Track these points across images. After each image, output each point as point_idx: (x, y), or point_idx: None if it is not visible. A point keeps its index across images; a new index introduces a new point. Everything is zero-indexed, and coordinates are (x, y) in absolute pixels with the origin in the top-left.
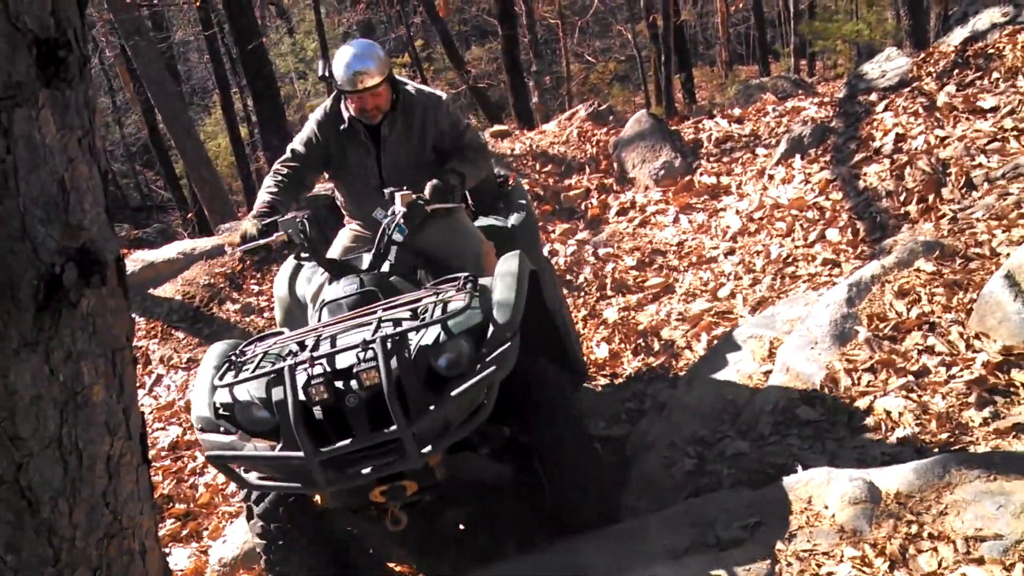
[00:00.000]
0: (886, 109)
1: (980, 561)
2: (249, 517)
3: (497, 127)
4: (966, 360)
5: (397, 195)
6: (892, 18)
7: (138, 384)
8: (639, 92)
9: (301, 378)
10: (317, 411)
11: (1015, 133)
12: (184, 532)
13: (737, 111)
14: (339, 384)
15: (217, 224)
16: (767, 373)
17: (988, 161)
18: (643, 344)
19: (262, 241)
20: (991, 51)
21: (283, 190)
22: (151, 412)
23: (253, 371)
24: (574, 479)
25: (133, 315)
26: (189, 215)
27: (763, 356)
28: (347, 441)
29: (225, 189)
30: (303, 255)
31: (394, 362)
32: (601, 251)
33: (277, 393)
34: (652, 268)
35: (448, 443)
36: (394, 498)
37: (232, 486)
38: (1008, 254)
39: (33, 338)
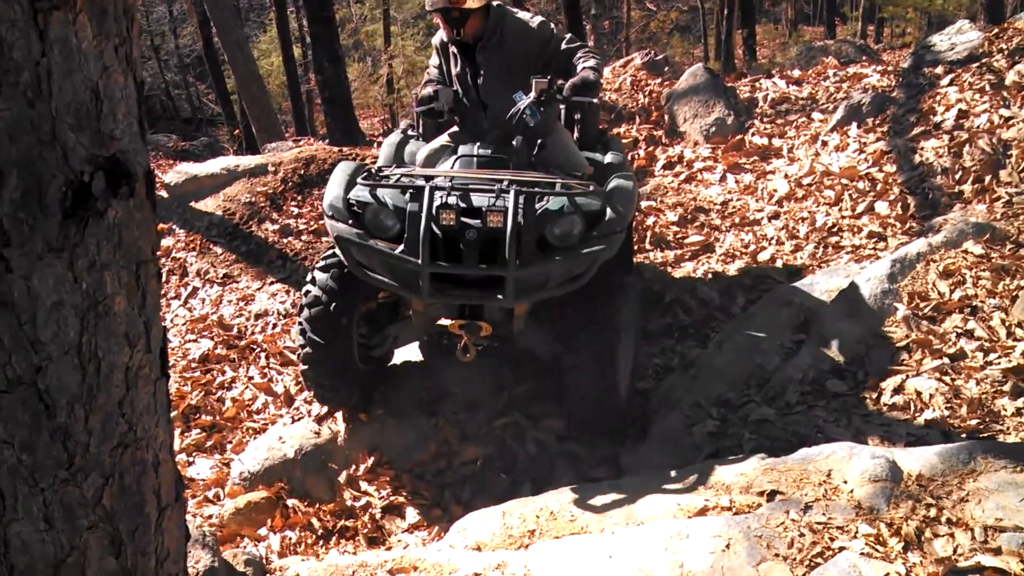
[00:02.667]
0: (951, 83)
1: (997, 551)
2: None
3: None
4: (1005, 348)
5: (533, 80)
6: None
7: (174, 295)
8: (699, 44)
9: (436, 200)
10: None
11: None
12: (208, 443)
13: (797, 72)
14: (465, 218)
15: (264, 143)
16: (799, 343)
17: None
18: (677, 299)
19: (433, 105)
20: None
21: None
22: (185, 323)
23: (396, 181)
24: (594, 379)
25: (173, 226)
26: (236, 132)
27: (797, 324)
28: (459, 264)
29: (274, 108)
30: (440, 120)
31: (520, 215)
32: (644, 204)
33: (412, 206)
34: (694, 225)
35: (541, 297)
36: (470, 332)
37: (257, 403)
38: None
39: (58, 244)
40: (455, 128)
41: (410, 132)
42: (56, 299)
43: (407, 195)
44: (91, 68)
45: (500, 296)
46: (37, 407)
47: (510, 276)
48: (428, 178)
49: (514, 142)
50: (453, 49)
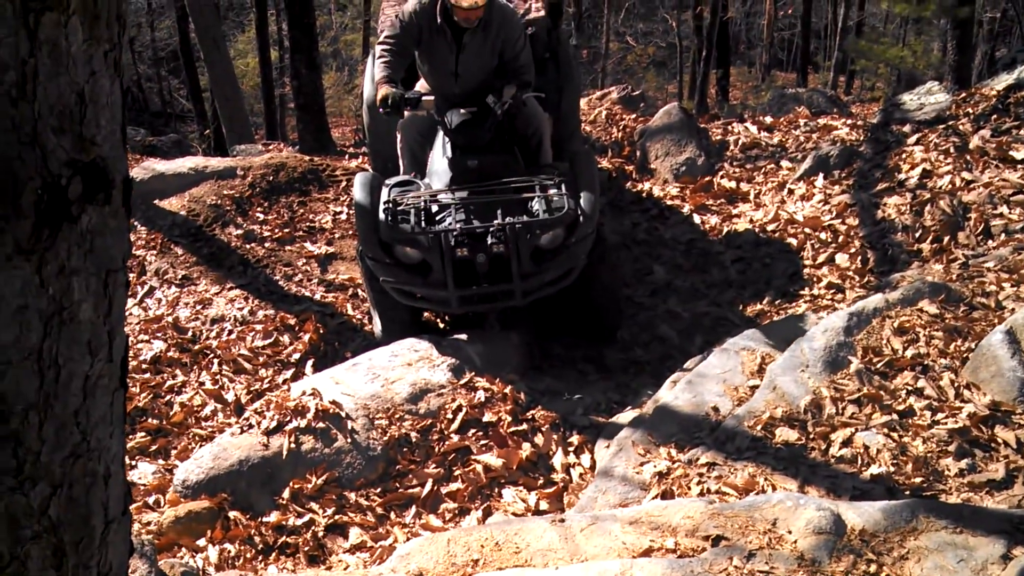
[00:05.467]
0: (918, 143)
1: None
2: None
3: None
4: (953, 408)
5: (506, 88)
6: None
7: (129, 293)
8: (673, 81)
9: (451, 238)
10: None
11: None
12: (153, 447)
13: (769, 119)
14: (474, 244)
15: (233, 144)
16: (753, 388)
17: (1010, 212)
18: (633, 338)
19: (420, 111)
20: None
21: (394, 62)
22: (138, 323)
23: (414, 227)
24: (606, 293)
25: (135, 223)
26: (207, 131)
27: (753, 370)
28: (481, 287)
29: (246, 110)
30: (419, 112)
31: (517, 242)
32: (610, 237)
33: (433, 245)
34: (657, 262)
35: (543, 294)
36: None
37: (206, 410)
38: (1013, 309)
39: (28, 247)
40: (431, 96)
41: (418, 112)
42: (21, 302)
43: (423, 220)
44: (79, 71)
45: (511, 300)
46: None
47: (517, 288)
48: (439, 210)
49: (490, 102)
50: (440, 23)
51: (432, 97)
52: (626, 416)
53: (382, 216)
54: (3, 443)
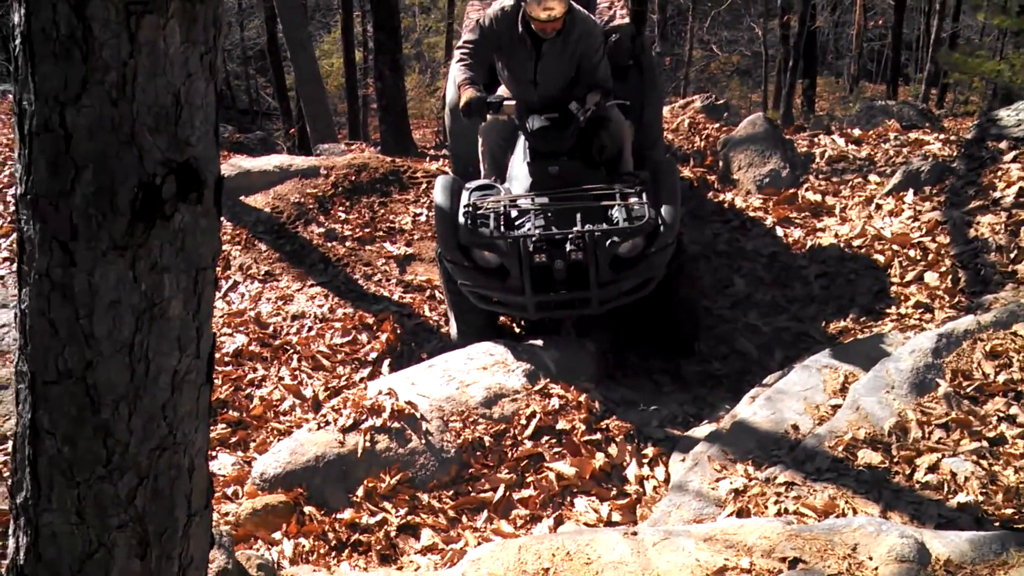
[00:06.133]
0: (1015, 160)
1: None
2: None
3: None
4: None
5: (589, 95)
6: None
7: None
8: (757, 90)
9: (529, 243)
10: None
11: None
12: (232, 440)
13: (857, 131)
14: (552, 250)
15: (317, 143)
16: (836, 407)
17: None
18: (711, 351)
19: (502, 116)
20: None
21: (475, 66)
22: (222, 317)
23: (493, 231)
24: (685, 304)
25: (221, 218)
26: (291, 130)
27: (835, 389)
28: (558, 294)
29: (330, 110)
30: (501, 117)
31: (596, 249)
32: (691, 248)
33: (511, 250)
34: (738, 274)
35: (619, 304)
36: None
37: (284, 405)
38: None
39: (123, 243)
40: (512, 101)
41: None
42: (115, 297)
43: (502, 225)
44: (175, 73)
45: (587, 308)
46: (83, 401)
47: (594, 296)
48: (519, 215)
49: (573, 109)
50: (521, 32)
51: (514, 102)
52: (702, 430)
53: (461, 219)
54: (94, 432)
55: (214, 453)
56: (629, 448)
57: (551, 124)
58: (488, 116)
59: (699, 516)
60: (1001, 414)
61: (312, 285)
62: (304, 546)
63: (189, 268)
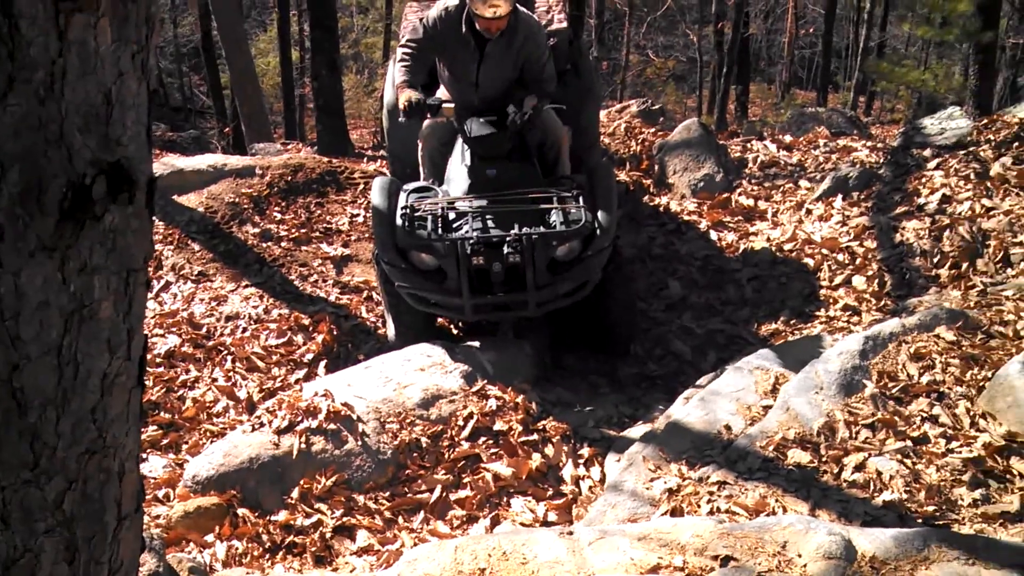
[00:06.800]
0: (938, 167)
1: None
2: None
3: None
4: (968, 437)
5: (526, 99)
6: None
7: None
8: (693, 95)
9: (467, 245)
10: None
11: None
12: (164, 442)
13: (788, 138)
14: (490, 252)
15: (252, 142)
16: (767, 408)
17: None
18: (646, 352)
19: (440, 118)
20: None
21: (415, 67)
22: (153, 318)
23: (431, 233)
24: (621, 307)
25: (153, 218)
26: (226, 129)
27: (766, 390)
28: (495, 295)
29: (266, 109)
30: (440, 119)
31: (533, 252)
32: (626, 251)
33: (449, 252)
34: (673, 277)
35: (556, 306)
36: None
37: (218, 407)
38: None
39: (51, 244)
40: (452, 104)
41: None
42: (42, 299)
43: (439, 227)
44: (106, 72)
45: (525, 311)
46: (9, 404)
47: (531, 299)
48: (457, 218)
49: (510, 112)
50: (464, 32)
51: (453, 104)
52: (637, 431)
53: (399, 221)
54: (20, 436)
55: (145, 456)
56: (565, 448)
57: (490, 127)
58: (428, 118)
59: (634, 515)
60: (924, 414)
61: (247, 286)
62: (237, 548)
63: (120, 269)
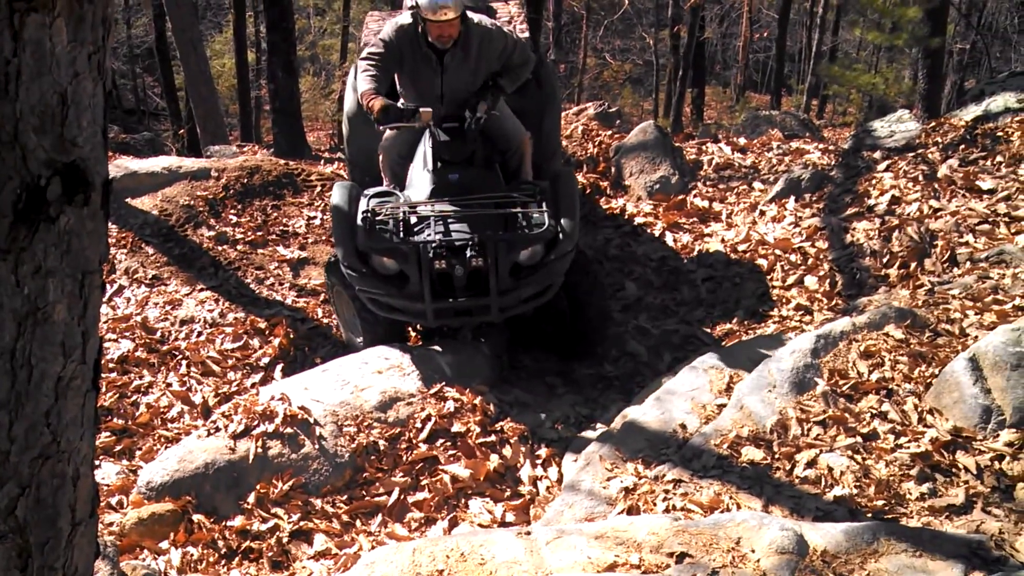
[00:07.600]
0: (887, 170)
1: None
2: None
3: None
4: (915, 433)
5: (480, 103)
6: (909, 78)
7: None
8: (649, 98)
9: (430, 249)
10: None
11: (1007, 219)
12: (117, 448)
13: (742, 140)
14: (452, 258)
15: (207, 144)
16: (721, 406)
17: (975, 241)
18: (603, 353)
19: (415, 123)
20: (999, 134)
21: (378, 77)
22: (106, 322)
23: (392, 238)
24: (596, 312)
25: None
26: (181, 131)
27: (721, 389)
28: (457, 300)
29: (221, 111)
30: (414, 125)
31: (496, 257)
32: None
33: (411, 256)
34: (630, 278)
35: (519, 311)
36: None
37: (173, 412)
38: (976, 337)
39: (5, 246)
40: (428, 108)
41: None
42: None
43: (401, 231)
44: (62, 73)
45: (487, 316)
46: None
47: (494, 304)
48: (418, 222)
49: (467, 116)
50: (425, 50)
51: (429, 109)
52: (594, 431)
53: (360, 224)
54: None
55: (98, 462)
56: (523, 449)
57: (453, 132)
58: (404, 123)
59: (591, 515)
60: (874, 411)
61: (202, 289)
62: (193, 555)
63: (75, 272)
